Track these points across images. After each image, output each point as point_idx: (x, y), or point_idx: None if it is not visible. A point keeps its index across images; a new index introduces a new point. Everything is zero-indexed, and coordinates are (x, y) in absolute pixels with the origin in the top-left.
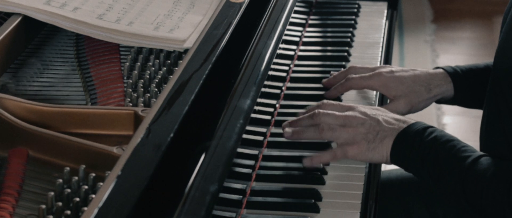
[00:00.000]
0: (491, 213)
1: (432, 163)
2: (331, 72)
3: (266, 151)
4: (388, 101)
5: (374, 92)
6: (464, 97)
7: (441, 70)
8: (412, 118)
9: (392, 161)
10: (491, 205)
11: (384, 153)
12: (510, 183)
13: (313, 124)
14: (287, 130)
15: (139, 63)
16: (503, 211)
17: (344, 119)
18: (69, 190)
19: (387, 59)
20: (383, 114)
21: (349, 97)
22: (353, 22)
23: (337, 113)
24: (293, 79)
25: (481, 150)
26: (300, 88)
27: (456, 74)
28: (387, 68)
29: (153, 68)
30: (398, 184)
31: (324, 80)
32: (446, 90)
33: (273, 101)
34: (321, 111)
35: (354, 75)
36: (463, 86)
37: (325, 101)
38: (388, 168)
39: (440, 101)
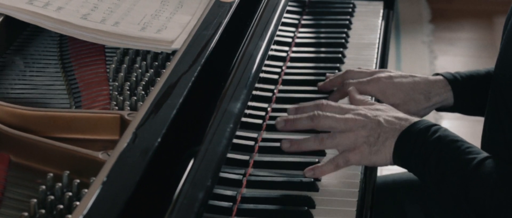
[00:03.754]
0: (494, 215)
1: (435, 164)
2: (327, 74)
3: (258, 157)
4: None
5: (371, 98)
6: (464, 105)
7: (441, 77)
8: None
9: (395, 162)
10: (494, 210)
11: (388, 155)
12: None
13: (312, 126)
14: (285, 142)
15: (125, 65)
16: (507, 213)
17: (344, 123)
18: (52, 197)
19: (383, 61)
20: (384, 113)
21: (346, 101)
22: (347, 22)
23: (337, 116)
24: (286, 82)
25: None
26: (292, 91)
27: (456, 82)
28: (386, 73)
29: (140, 71)
30: (394, 189)
31: (319, 84)
32: (445, 98)
33: (265, 105)
34: (321, 113)
35: (351, 81)
36: (463, 94)
37: (324, 101)
38: (384, 172)
39: (439, 109)
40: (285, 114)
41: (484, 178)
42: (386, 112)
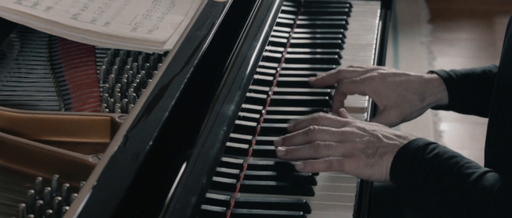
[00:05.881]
0: None
1: (435, 180)
2: (317, 74)
3: (252, 160)
4: (379, 110)
5: (366, 97)
6: (458, 104)
7: (435, 76)
8: (413, 134)
9: (392, 179)
10: None
11: (384, 170)
12: None
13: (308, 141)
14: (280, 148)
15: (116, 67)
16: None
17: (341, 135)
18: (41, 202)
19: (381, 62)
20: (382, 129)
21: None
22: (344, 22)
23: (333, 129)
24: (280, 84)
25: (485, 160)
26: (287, 93)
27: (451, 80)
28: (379, 71)
29: (131, 72)
30: (393, 194)
31: (311, 79)
32: (440, 98)
33: (259, 107)
34: (316, 127)
35: (345, 80)
36: (458, 93)
37: (321, 114)
38: None
39: (434, 108)
40: (279, 117)
41: (486, 190)
42: (384, 128)
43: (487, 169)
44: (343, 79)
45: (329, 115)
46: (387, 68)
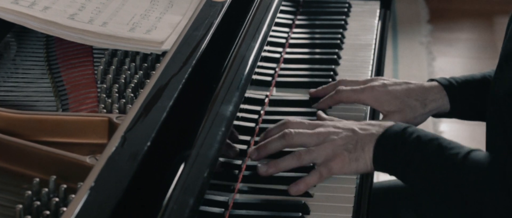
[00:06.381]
0: (487, 206)
1: (419, 163)
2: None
3: (250, 161)
4: (381, 117)
5: (365, 107)
6: (460, 110)
7: (436, 83)
8: (386, 121)
9: (376, 167)
10: (487, 196)
11: (368, 161)
12: (507, 172)
13: (285, 146)
14: (261, 166)
15: (113, 67)
16: (500, 202)
17: (318, 136)
18: (38, 203)
19: (380, 63)
20: (355, 123)
21: (339, 111)
22: (343, 22)
23: (309, 131)
24: (279, 84)
25: None
26: (286, 94)
27: (451, 87)
28: (379, 81)
29: (129, 72)
30: (390, 195)
31: (311, 90)
32: (442, 104)
33: (258, 108)
34: (292, 130)
35: (344, 88)
36: (459, 100)
37: (290, 119)
38: (380, 178)
39: (436, 115)
40: (278, 117)
41: (474, 167)
42: (357, 122)
43: (471, 148)
44: (342, 87)
45: (298, 119)
46: (387, 79)
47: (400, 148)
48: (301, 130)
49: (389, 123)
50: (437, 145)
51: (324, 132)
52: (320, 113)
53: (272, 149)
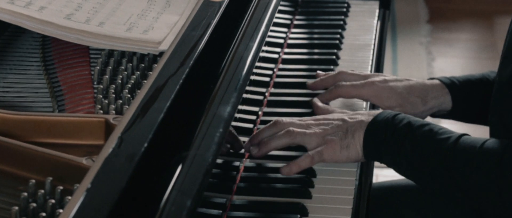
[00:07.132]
0: (481, 188)
1: (410, 149)
2: (318, 72)
3: (248, 162)
4: None
5: (364, 103)
6: (462, 110)
7: (437, 81)
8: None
9: (366, 155)
10: (481, 179)
11: (359, 148)
12: (500, 154)
13: (288, 143)
14: (252, 147)
15: (110, 67)
16: (493, 183)
17: (307, 126)
18: (34, 205)
19: (379, 63)
20: (344, 112)
21: (337, 105)
22: (342, 22)
23: (300, 122)
24: (277, 85)
25: None
26: (284, 94)
27: (453, 86)
28: (380, 77)
29: (126, 73)
30: (391, 195)
31: (309, 82)
32: (443, 102)
33: (256, 108)
34: (284, 119)
35: (344, 83)
36: (461, 99)
37: (283, 119)
38: (380, 179)
39: (435, 114)
40: (276, 118)
41: (467, 150)
42: (345, 111)
43: (461, 133)
44: (342, 82)
45: (289, 119)
46: (388, 75)
47: (391, 133)
48: (292, 119)
49: (377, 111)
50: (428, 130)
51: (314, 123)
52: (315, 100)
53: (274, 146)
